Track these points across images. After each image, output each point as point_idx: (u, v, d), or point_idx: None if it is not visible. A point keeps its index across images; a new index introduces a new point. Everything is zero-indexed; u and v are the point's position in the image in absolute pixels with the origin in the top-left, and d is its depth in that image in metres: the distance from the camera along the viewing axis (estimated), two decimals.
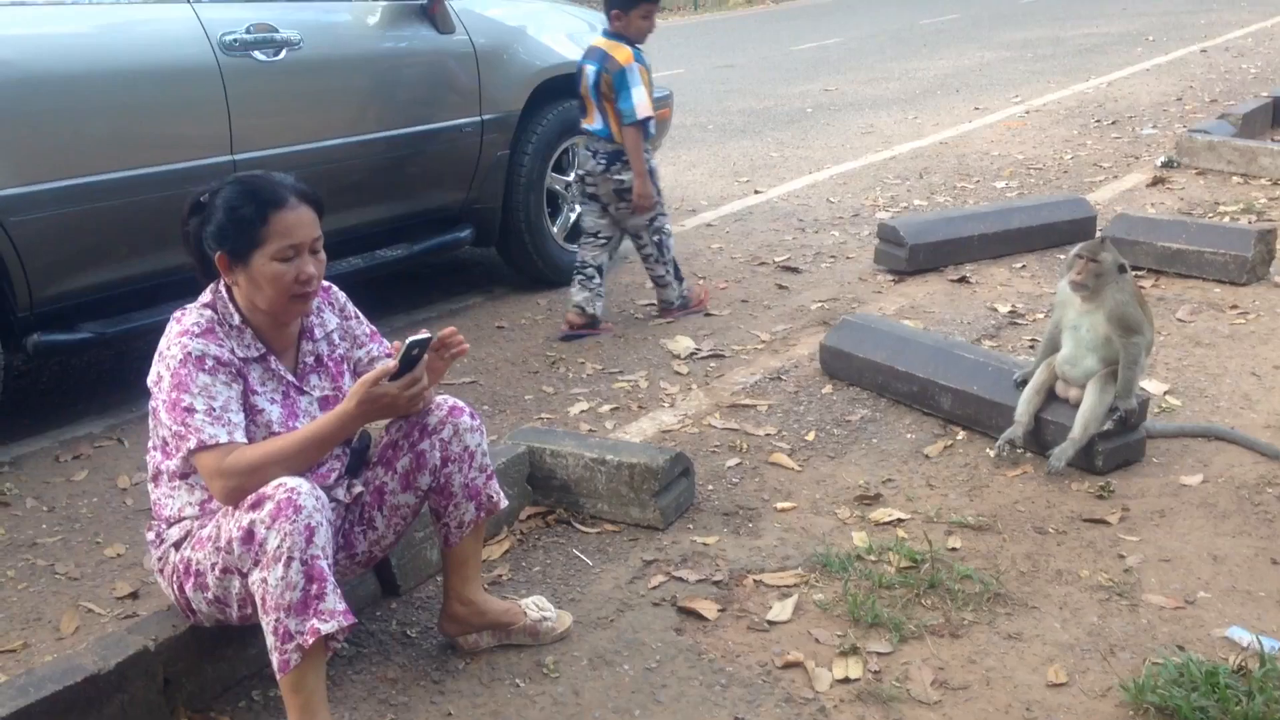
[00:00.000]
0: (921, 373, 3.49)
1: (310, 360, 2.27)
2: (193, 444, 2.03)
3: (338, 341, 2.34)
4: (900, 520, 2.89)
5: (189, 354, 2.06)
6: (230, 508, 2.03)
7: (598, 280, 4.47)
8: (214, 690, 2.27)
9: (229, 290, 2.17)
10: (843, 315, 4.09)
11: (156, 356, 2.11)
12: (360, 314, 2.43)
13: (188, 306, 2.16)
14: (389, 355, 2.40)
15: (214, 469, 2.03)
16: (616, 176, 4.36)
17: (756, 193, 6.75)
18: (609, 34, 4.37)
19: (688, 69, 12.60)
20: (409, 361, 2.11)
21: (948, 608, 2.50)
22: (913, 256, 4.89)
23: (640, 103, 4.23)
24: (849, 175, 7.06)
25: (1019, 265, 4.95)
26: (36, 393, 4.01)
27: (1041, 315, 4.27)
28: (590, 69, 4.32)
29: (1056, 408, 3.15)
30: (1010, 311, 4.37)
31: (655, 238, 4.47)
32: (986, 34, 14.14)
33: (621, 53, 4.26)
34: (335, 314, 2.37)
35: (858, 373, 3.72)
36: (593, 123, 4.38)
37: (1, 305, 3.32)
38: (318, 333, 2.31)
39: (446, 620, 2.43)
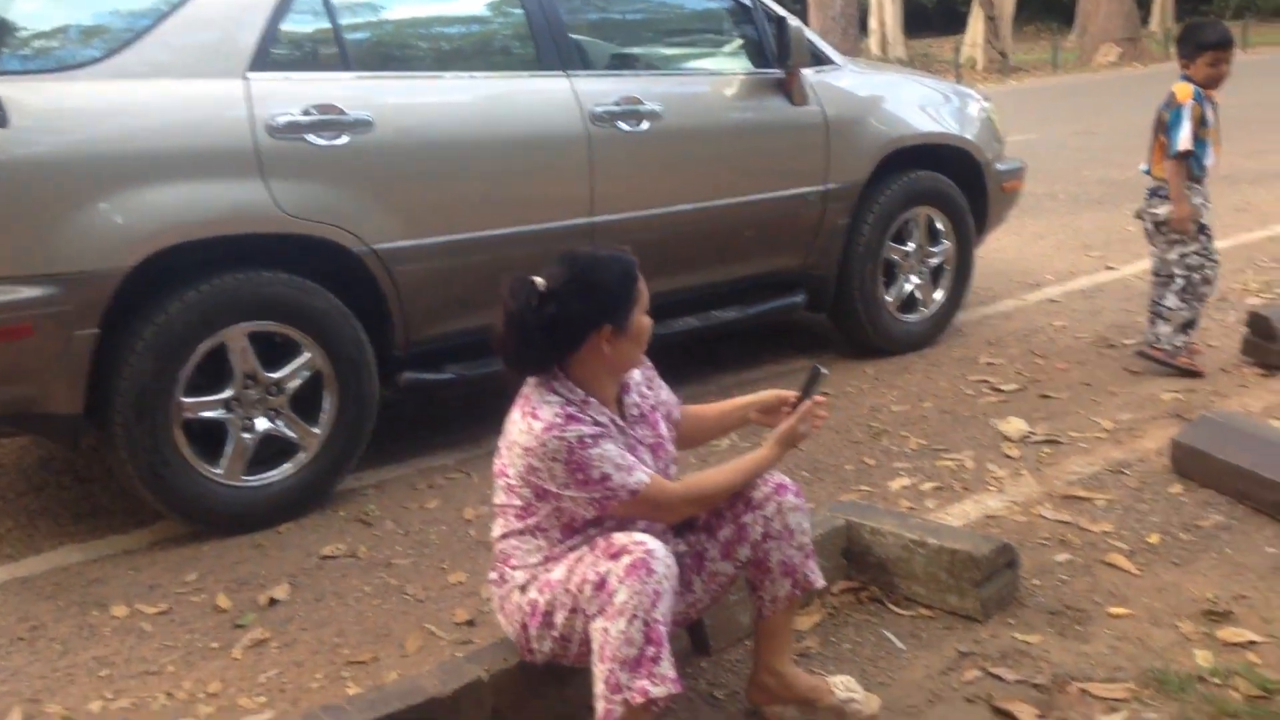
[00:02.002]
0: None
1: (635, 412, 2.39)
2: (626, 496, 2.18)
3: (647, 392, 2.45)
4: (1253, 642, 2.63)
5: (570, 445, 2.15)
6: (589, 554, 2.15)
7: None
8: None
9: (561, 371, 2.26)
10: (1201, 411, 3.79)
11: (520, 452, 2.19)
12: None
13: (530, 401, 2.23)
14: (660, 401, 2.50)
15: (656, 501, 2.23)
16: (1152, 210, 4.59)
17: (1108, 269, 6.40)
18: (1184, 77, 4.53)
19: (1043, 134, 12.14)
20: (807, 391, 2.35)
21: None
22: None
23: (1181, 137, 4.40)
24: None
25: None
26: (400, 424, 4.43)
27: None
28: (1160, 108, 4.53)
29: None
30: None
31: (1183, 273, 4.54)
32: None
33: (1183, 91, 4.46)
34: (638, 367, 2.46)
35: (1215, 475, 3.42)
36: (1145, 162, 4.65)
37: (382, 344, 3.70)
38: (631, 385, 2.41)
39: (754, 689, 2.46)
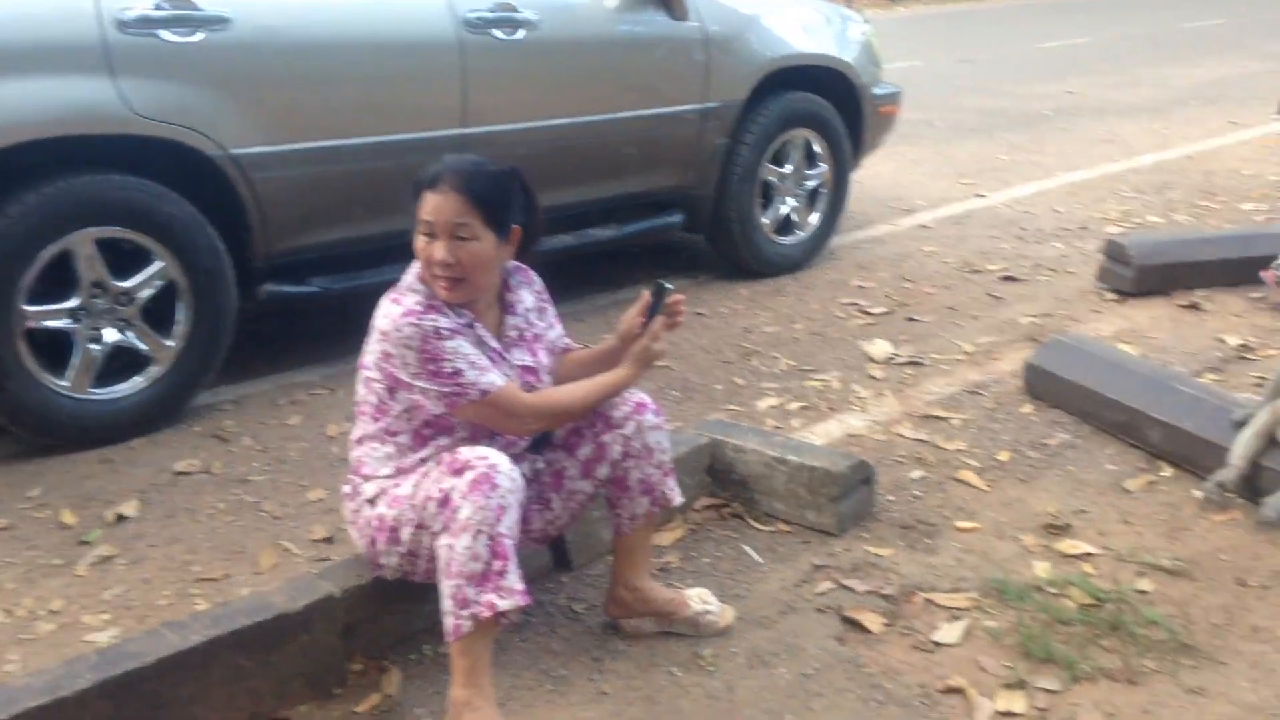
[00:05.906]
0: (1131, 402, 3.30)
1: (513, 334, 2.36)
2: (475, 395, 2.15)
3: (535, 321, 2.42)
4: (1089, 554, 2.76)
5: (425, 333, 2.13)
6: (434, 469, 2.14)
7: None
8: (389, 640, 2.40)
9: None
10: (1053, 334, 3.92)
11: (378, 337, 2.19)
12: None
13: (399, 288, 2.24)
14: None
15: (508, 409, 2.19)
16: None
17: (979, 196, 6.53)
18: None
19: (925, 61, 12.28)
20: (654, 308, 2.34)
21: (1128, 652, 2.38)
22: (1140, 277, 4.62)
23: None
24: (1081, 185, 6.73)
25: (1257, 296, 4.60)
26: (263, 340, 4.31)
27: (1275, 351, 3.97)
28: None
29: (1277, 454, 2.93)
30: (1240, 345, 4.08)
31: None
32: (1254, 43, 13.15)
33: None
34: (532, 294, 2.44)
35: (1063, 396, 3.56)
36: None
37: (240, 255, 3.57)
38: (518, 309, 2.39)
39: (612, 603, 2.48)
